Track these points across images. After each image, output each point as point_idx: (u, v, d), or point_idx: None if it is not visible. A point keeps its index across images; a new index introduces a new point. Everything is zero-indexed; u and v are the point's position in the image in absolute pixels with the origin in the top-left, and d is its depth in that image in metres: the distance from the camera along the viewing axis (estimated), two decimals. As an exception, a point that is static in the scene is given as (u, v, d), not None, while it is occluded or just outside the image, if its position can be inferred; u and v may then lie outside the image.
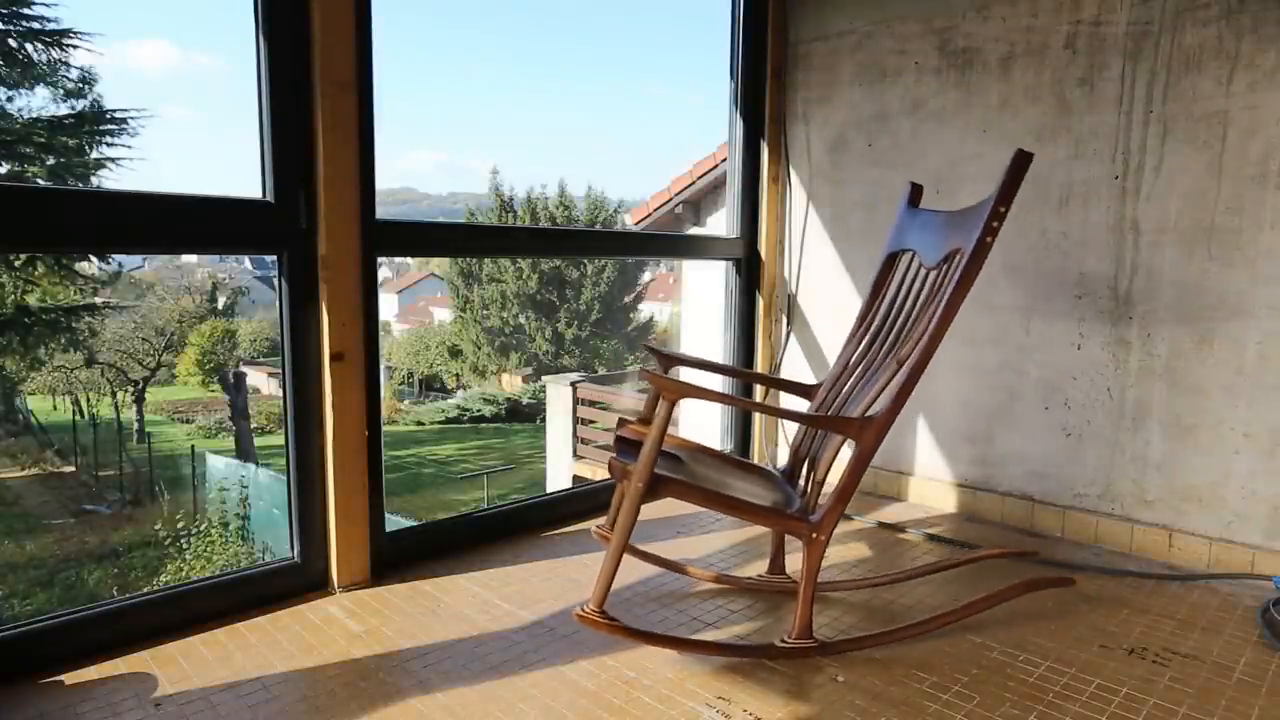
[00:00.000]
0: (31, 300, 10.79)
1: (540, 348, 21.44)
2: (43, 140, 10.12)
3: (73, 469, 15.84)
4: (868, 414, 1.88)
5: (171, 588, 2.03)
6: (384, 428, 2.26)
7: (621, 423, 2.11)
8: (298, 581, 2.12)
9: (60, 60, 10.40)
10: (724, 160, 4.13)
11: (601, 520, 2.18)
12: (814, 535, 1.82)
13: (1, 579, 9.90)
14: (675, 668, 1.81)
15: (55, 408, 21.22)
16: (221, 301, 25.56)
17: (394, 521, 2.80)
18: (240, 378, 17.72)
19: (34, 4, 9.71)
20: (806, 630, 1.85)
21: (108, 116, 10.85)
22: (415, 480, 15.71)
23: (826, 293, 3.26)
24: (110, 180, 10.71)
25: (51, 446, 16.95)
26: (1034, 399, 2.75)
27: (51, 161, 10.29)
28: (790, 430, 3.39)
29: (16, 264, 9.91)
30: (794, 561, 2.28)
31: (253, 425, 17.60)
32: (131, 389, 19.75)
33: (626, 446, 2.01)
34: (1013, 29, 2.70)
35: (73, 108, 11.19)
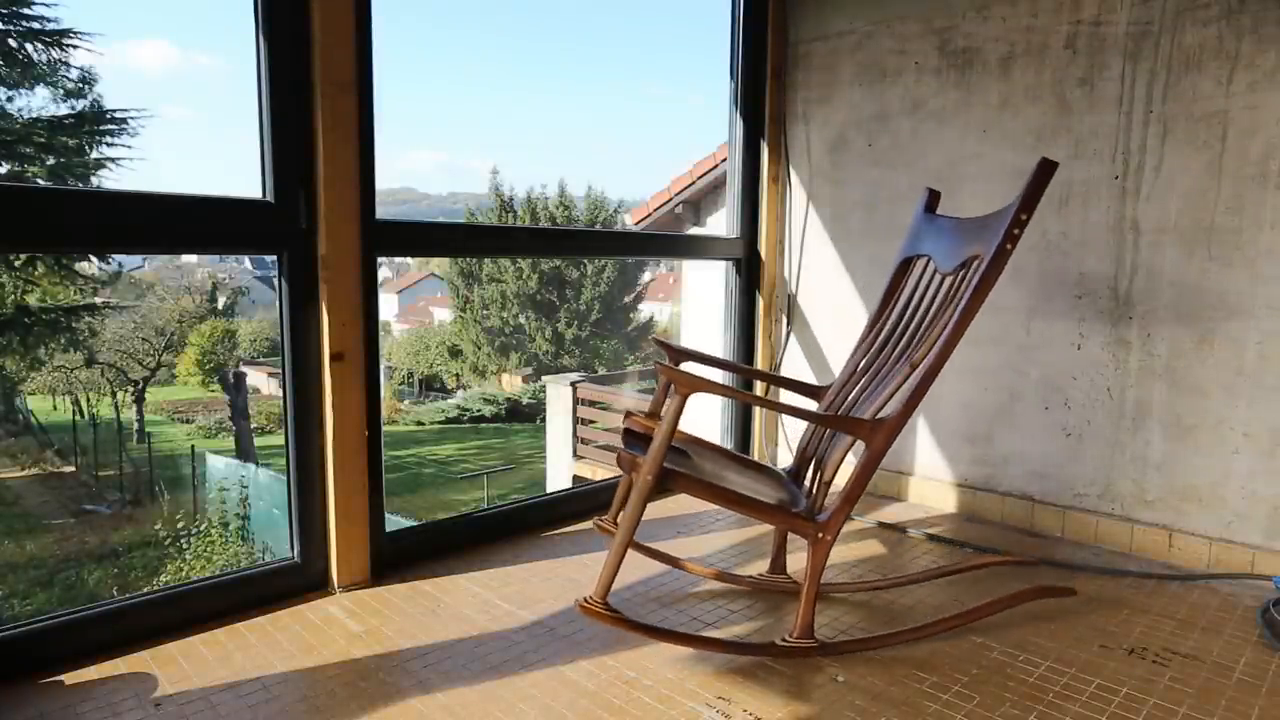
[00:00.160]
0: (31, 300, 10.79)
1: (540, 348, 21.44)
2: (43, 140, 10.12)
3: (73, 469, 15.84)
4: (879, 416, 1.88)
5: (171, 588, 2.03)
6: (384, 428, 2.26)
7: (629, 415, 2.10)
8: (298, 581, 2.12)
9: (60, 60, 10.41)
10: (724, 160, 4.14)
11: (604, 515, 2.17)
12: (820, 535, 1.82)
13: (1, 579, 9.90)
14: (675, 667, 1.81)
15: (55, 408, 21.22)
16: (221, 301, 25.56)
17: (394, 521, 2.80)
18: (240, 378, 17.72)
19: (34, 4, 9.72)
20: (808, 630, 1.85)
21: (108, 116, 10.85)
22: (415, 480, 15.72)
23: (826, 293, 3.26)
24: (110, 180, 10.72)
25: (51, 446, 16.95)
26: (1034, 399, 2.75)
27: (51, 161, 10.29)
28: (792, 429, 3.39)
29: (16, 264, 9.91)
30: (795, 562, 2.28)
31: (253, 425, 17.60)
32: (131, 389, 19.75)
33: (634, 439, 2.01)
34: (1013, 29, 2.70)
35: (73, 108, 11.20)
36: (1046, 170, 1.81)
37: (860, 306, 3.11)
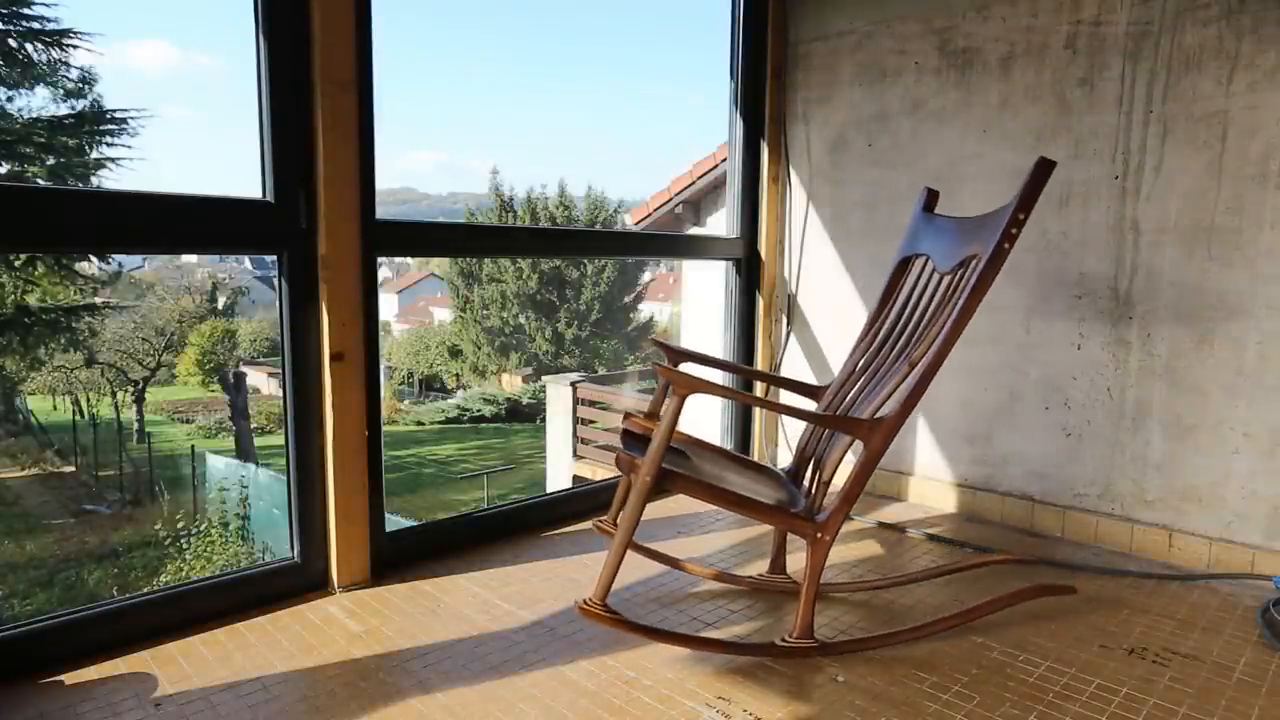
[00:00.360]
0: (31, 300, 10.79)
1: (540, 348, 21.44)
2: (43, 140, 10.13)
3: (73, 469, 15.84)
4: (877, 415, 1.88)
5: (171, 588, 2.03)
6: (384, 428, 2.26)
7: (628, 416, 2.10)
8: (298, 581, 2.12)
9: (60, 60, 10.41)
10: (724, 160, 4.13)
11: (603, 517, 2.18)
12: (819, 535, 1.82)
13: (1, 579, 9.90)
14: (675, 668, 1.81)
15: (55, 408, 21.22)
16: (221, 301, 25.56)
17: (394, 521, 2.80)
18: (240, 378, 17.72)
19: (34, 4, 9.72)
20: (808, 630, 1.85)
21: (108, 116, 10.85)
22: (415, 480, 15.72)
23: (826, 293, 3.26)
24: (110, 180, 10.72)
25: (51, 446, 16.95)
26: (1034, 399, 2.75)
27: (51, 161, 10.29)
28: (791, 429, 3.39)
29: (16, 264, 9.91)
30: (794, 562, 2.28)
31: (253, 425, 17.61)
32: (131, 389, 19.75)
33: (633, 440, 2.01)
34: (1013, 29, 2.70)
35: (73, 108, 11.20)
36: (1044, 169, 1.81)
37: (860, 306, 3.11)
